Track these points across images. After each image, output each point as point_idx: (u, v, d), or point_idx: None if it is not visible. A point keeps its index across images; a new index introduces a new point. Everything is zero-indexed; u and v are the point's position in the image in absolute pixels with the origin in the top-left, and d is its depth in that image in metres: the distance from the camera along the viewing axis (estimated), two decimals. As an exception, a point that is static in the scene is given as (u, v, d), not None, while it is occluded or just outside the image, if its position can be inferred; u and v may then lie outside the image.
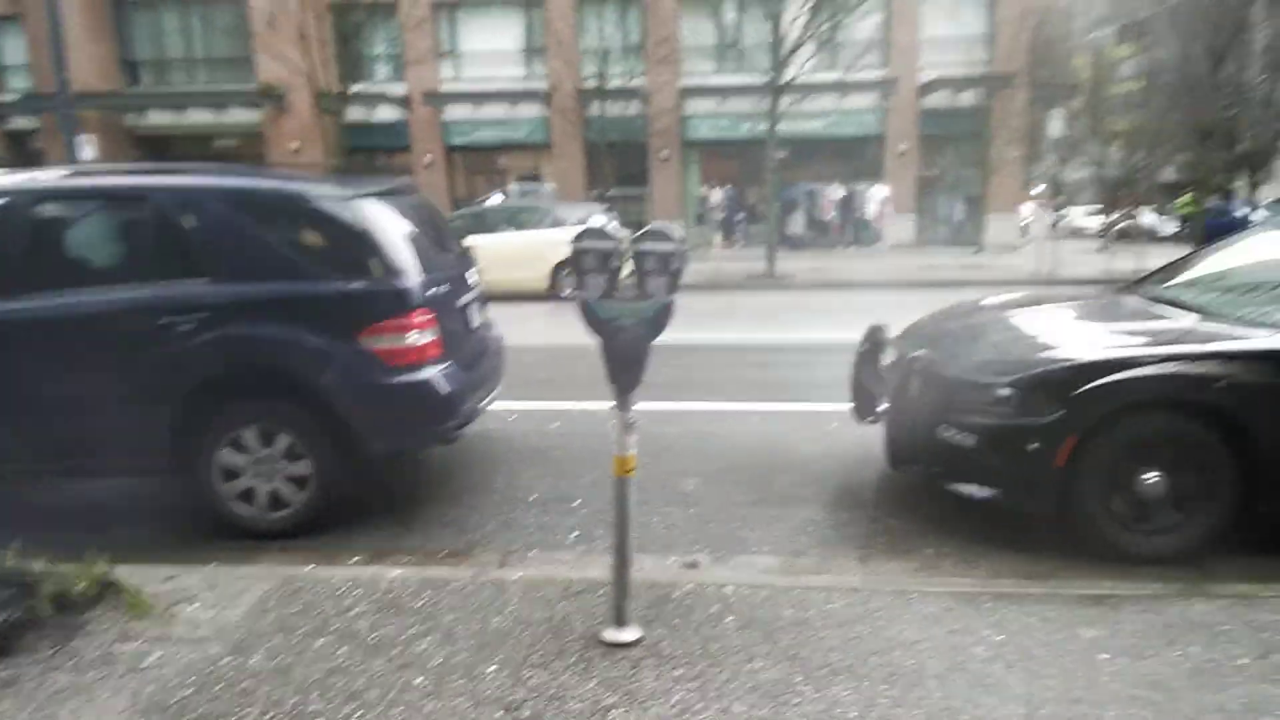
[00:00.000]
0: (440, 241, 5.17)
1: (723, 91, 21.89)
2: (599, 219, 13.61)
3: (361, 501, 4.64)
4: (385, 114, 23.96)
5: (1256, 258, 4.94)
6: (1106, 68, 34.03)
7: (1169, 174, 32.19)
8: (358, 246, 4.29)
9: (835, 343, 8.43)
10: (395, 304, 4.24)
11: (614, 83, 22.15)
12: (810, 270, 17.80)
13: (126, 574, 3.39)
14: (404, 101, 24.00)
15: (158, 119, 24.85)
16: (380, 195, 4.60)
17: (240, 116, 24.34)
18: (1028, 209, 26.30)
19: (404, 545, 4.22)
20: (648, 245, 2.96)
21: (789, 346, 9.28)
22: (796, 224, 23.32)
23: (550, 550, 4.15)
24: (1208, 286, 4.77)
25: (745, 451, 5.54)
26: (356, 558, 4.01)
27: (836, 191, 23.45)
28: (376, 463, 4.59)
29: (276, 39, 19.43)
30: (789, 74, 16.36)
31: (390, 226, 4.44)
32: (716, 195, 22.96)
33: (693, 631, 3.10)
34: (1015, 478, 3.93)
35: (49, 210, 4.40)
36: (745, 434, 5.96)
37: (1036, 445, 3.81)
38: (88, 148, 17.44)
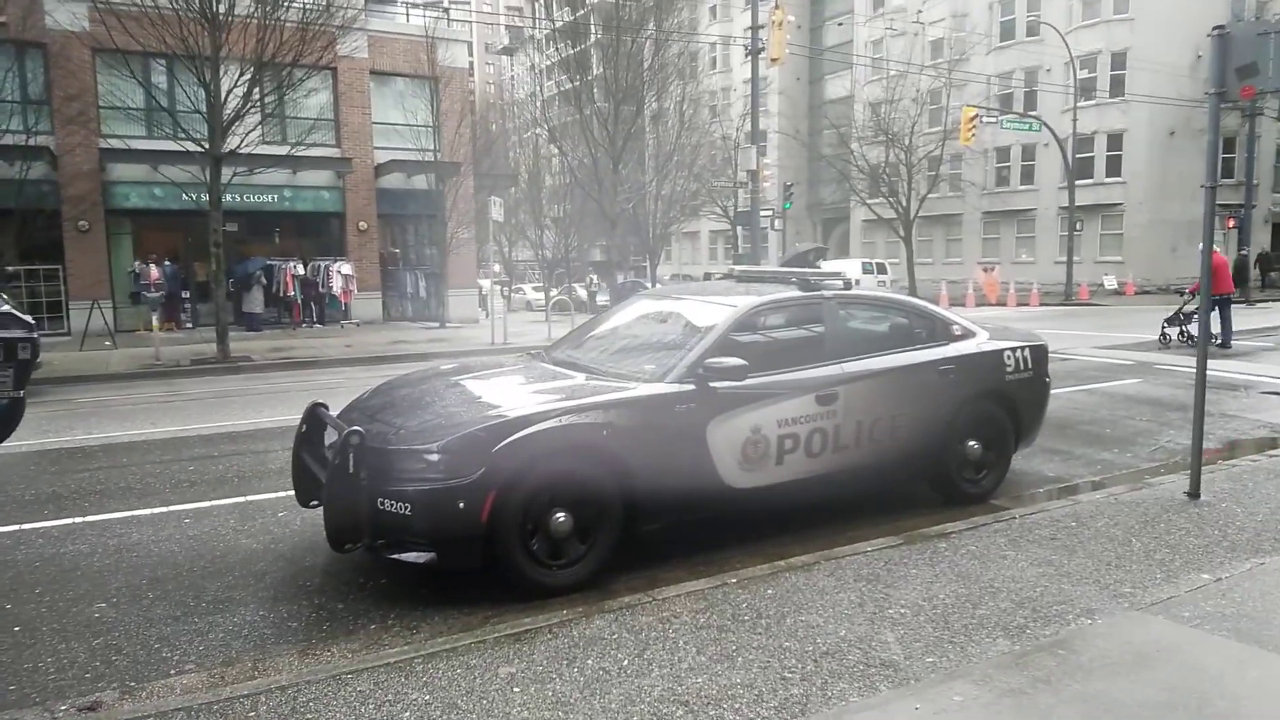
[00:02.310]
0: None
1: (154, 157, 19.73)
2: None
3: None
4: None
5: (630, 322, 6.05)
6: (539, 163, 39.07)
7: (595, 254, 38.02)
8: None
9: (289, 426, 8.06)
10: None
11: (8, 139, 18.53)
12: (270, 350, 16.85)
13: None
14: None
15: None
16: None
17: None
18: (485, 285, 28.65)
19: None
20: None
21: (236, 434, 8.56)
22: (255, 302, 21.90)
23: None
24: (596, 348, 5.67)
25: (173, 560, 4.91)
26: None
27: (297, 268, 22.70)
28: None
29: None
30: (231, 144, 15.48)
31: None
32: (154, 271, 20.45)
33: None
34: (447, 538, 4.14)
35: None
36: (175, 539, 5.29)
37: (463, 504, 4.07)
38: None
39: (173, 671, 3.61)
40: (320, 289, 23.27)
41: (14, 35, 19.14)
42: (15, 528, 5.51)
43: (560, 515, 4.29)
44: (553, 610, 3.95)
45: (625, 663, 3.34)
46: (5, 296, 12.50)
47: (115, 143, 19.71)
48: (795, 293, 5.58)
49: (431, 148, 23.76)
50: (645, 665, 3.32)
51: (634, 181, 30.06)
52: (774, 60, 23.25)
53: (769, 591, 4.06)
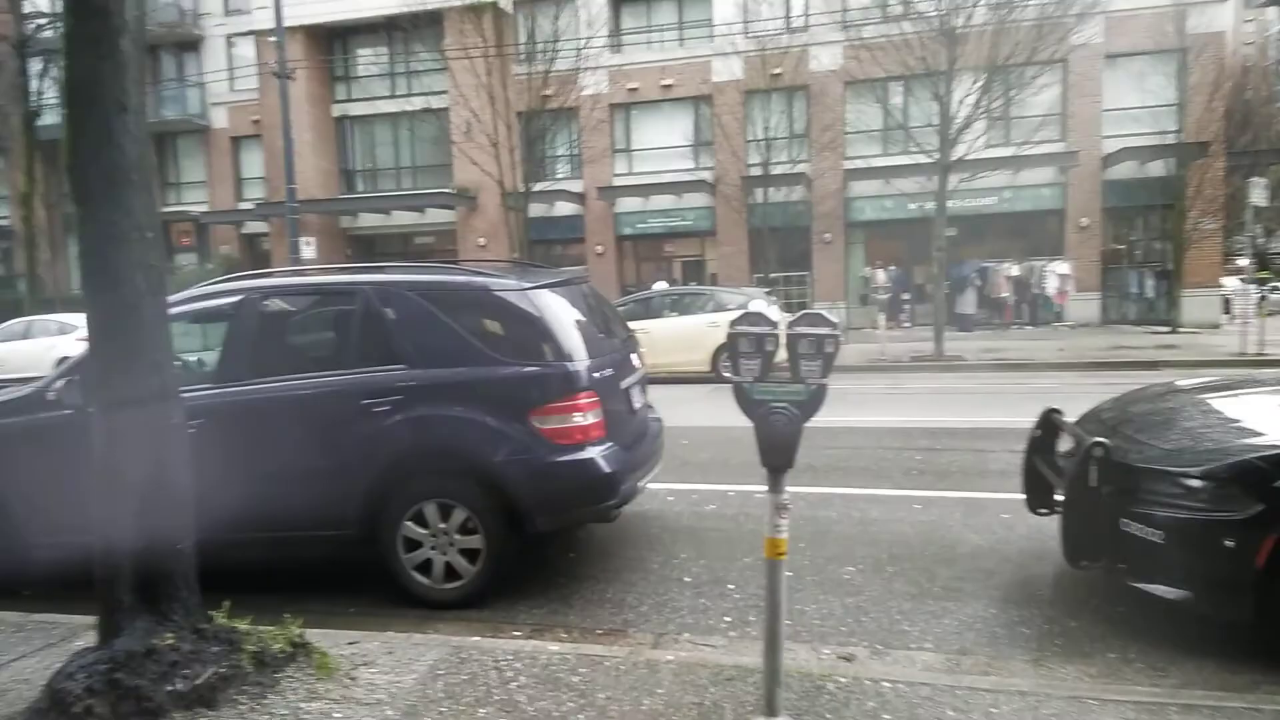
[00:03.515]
0: (607, 327, 5.47)
1: (887, 172, 21.77)
2: (759, 303, 13.75)
3: (525, 577, 4.87)
4: (563, 208, 25.55)
5: None
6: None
7: None
8: (532, 333, 4.64)
9: (1005, 428, 8.08)
10: (564, 386, 4.52)
11: (778, 170, 22.58)
12: (981, 351, 17.04)
13: (316, 637, 3.71)
14: (580, 196, 25.51)
15: (367, 220, 27.74)
16: (554, 285, 4.97)
17: (437, 216, 26.74)
18: (1230, 284, 24.05)
19: (563, 621, 4.38)
20: (802, 329, 3.02)
21: (955, 430, 8.91)
22: (968, 303, 22.46)
23: (703, 634, 4.18)
24: None
25: (907, 540, 5.37)
26: (519, 631, 4.21)
27: (1011, 269, 22.49)
28: (540, 539, 4.81)
29: (471, 146, 21.39)
30: (958, 152, 16.11)
31: (561, 314, 4.78)
32: (881, 276, 22.59)
33: (845, 725, 3.04)
34: (1209, 578, 3.60)
35: (276, 305, 5.09)
36: (907, 521, 5.77)
37: (1233, 543, 3.49)
38: (307, 248, 19.81)
39: (912, 645, 3.95)
40: (1033, 290, 22.64)
41: (786, 83, 23.18)
42: (787, 489, 6.69)
43: (1375, 582, 3.35)
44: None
45: None
46: (772, 295, 15.26)
47: (858, 163, 22.34)
48: None
49: (1173, 129, 20.90)
50: None
51: None
52: None
53: None
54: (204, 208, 28.77)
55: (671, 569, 5.05)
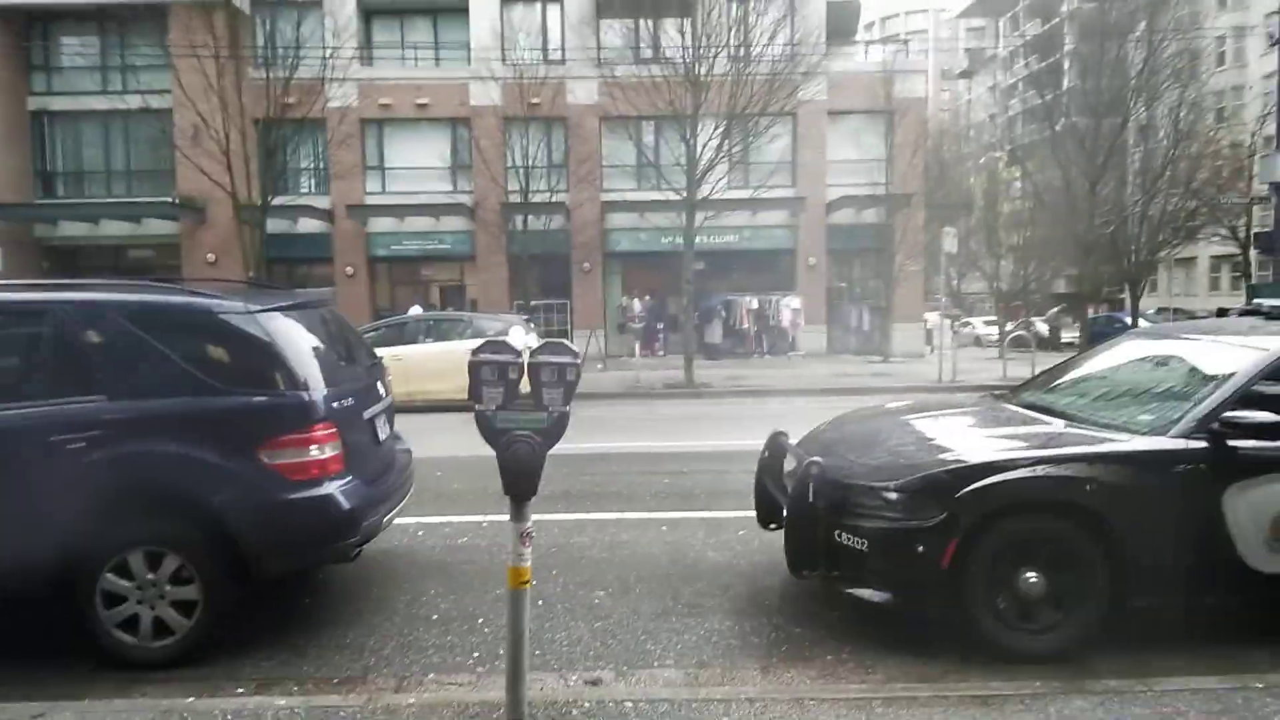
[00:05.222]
0: (349, 353, 5.19)
1: (641, 206, 22.77)
2: (517, 330, 13.76)
3: (252, 626, 4.46)
4: (308, 226, 24.03)
5: (1118, 365, 5.36)
6: (997, 188, 36.67)
7: (1059, 286, 34.40)
8: (262, 360, 4.27)
9: (746, 450, 8.61)
10: (298, 417, 4.20)
11: (537, 198, 22.80)
12: (726, 378, 18.22)
13: (-13, 713, 3.17)
14: (328, 214, 24.15)
15: (70, 230, 24.36)
16: (287, 308, 4.63)
17: (157, 228, 24.04)
18: (932, 319, 27.65)
19: (295, 673, 4.04)
20: (544, 357, 3.06)
21: (702, 454, 9.41)
22: (715, 333, 23.98)
23: (450, 672, 4.04)
24: (1076, 393, 5.13)
25: (654, 561, 5.56)
26: (242, 688, 3.83)
27: (751, 302, 24.31)
28: (270, 584, 4.44)
29: (198, 152, 19.49)
30: (703, 191, 17.20)
31: (295, 339, 4.45)
32: (637, 305, 23.52)
33: (588, 750, 3.06)
34: (906, 580, 4.06)
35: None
36: (655, 543, 5.98)
37: (923, 548, 3.96)
38: (-11, 259, 17.05)
39: (656, 663, 4.08)
40: (770, 322, 24.62)
41: (545, 113, 23.57)
42: (540, 517, 6.69)
43: (1031, 576, 3.95)
44: (1022, 679, 3.65)
45: (1115, 756, 2.95)
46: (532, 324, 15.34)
47: (614, 195, 23.11)
48: (1358, 336, 4.44)
49: (883, 181, 23.79)
50: (1141, 764, 2.90)
51: (1114, 202, 26.65)
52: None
53: (1314, 709, 3.27)
54: None
55: (419, 607, 4.85)
